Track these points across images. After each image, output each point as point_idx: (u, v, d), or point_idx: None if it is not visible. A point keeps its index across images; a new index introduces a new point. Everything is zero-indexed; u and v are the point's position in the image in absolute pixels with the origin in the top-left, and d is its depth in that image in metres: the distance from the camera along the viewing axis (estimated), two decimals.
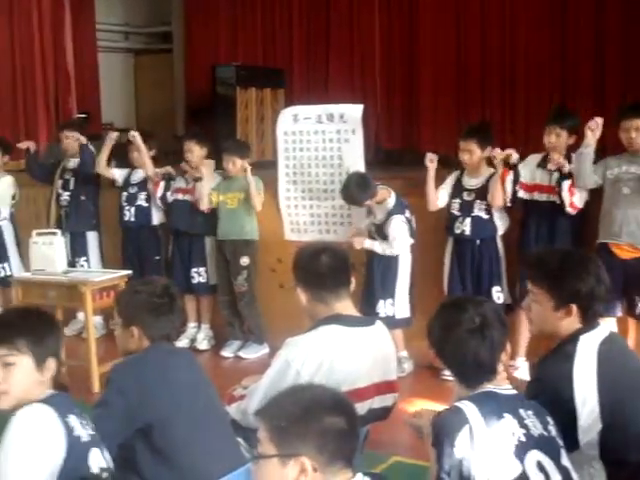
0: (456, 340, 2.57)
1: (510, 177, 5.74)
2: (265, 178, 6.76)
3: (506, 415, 2.49)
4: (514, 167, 5.74)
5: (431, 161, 5.95)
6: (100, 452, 2.60)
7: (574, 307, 2.86)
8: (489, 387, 2.56)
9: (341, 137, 6.39)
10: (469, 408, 2.48)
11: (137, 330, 3.20)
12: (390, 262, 5.97)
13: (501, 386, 2.60)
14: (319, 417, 2.02)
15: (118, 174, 7.17)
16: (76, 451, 2.49)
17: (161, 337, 3.23)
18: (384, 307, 5.97)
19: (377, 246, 5.95)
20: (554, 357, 2.89)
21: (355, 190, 5.87)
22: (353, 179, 5.94)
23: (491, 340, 2.57)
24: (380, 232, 5.97)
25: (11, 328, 2.61)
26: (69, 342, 6.47)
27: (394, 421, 3.57)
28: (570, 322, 2.88)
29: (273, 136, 8.90)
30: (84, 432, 2.55)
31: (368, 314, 5.92)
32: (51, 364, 2.64)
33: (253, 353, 6.68)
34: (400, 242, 5.89)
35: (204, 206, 6.69)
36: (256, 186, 6.58)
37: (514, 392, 2.61)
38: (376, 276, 5.98)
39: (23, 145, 7.42)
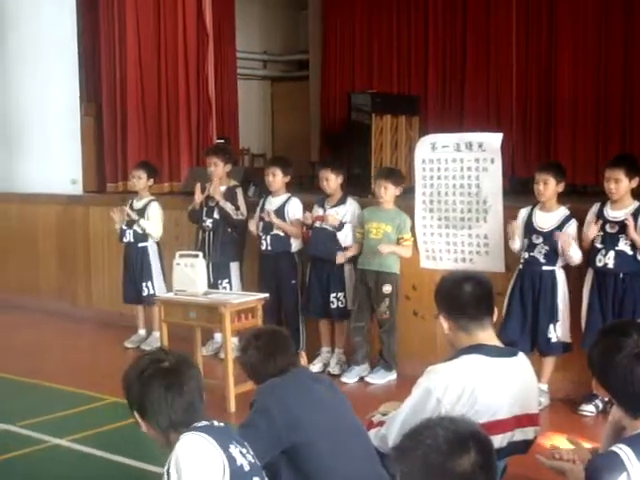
0: (621, 366, 2.47)
1: None
2: (399, 205, 6.75)
3: None
4: None
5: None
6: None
7: None
8: None
9: (479, 166, 6.34)
10: (626, 452, 2.38)
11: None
12: (548, 280, 5.89)
13: None
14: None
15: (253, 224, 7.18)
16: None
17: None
18: (554, 331, 5.89)
19: (575, 250, 5.83)
20: None
21: None
22: None
23: None
24: (548, 242, 5.88)
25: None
26: (206, 362, 6.69)
27: (533, 455, 3.50)
28: None
29: (407, 163, 8.97)
30: (245, 461, 2.60)
31: (534, 342, 5.92)
32: None
33: (380, 379, 6.66)
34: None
35: (356, 251, 6.74)
36: (405, 228, 6.59)
37: None
38: (540, 298, 5.89)
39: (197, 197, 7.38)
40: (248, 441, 2.89)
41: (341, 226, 6.75)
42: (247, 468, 2.59)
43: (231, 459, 2.54)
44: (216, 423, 2.69)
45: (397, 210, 6.69)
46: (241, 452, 2.62)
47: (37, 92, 10.13)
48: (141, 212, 7.75)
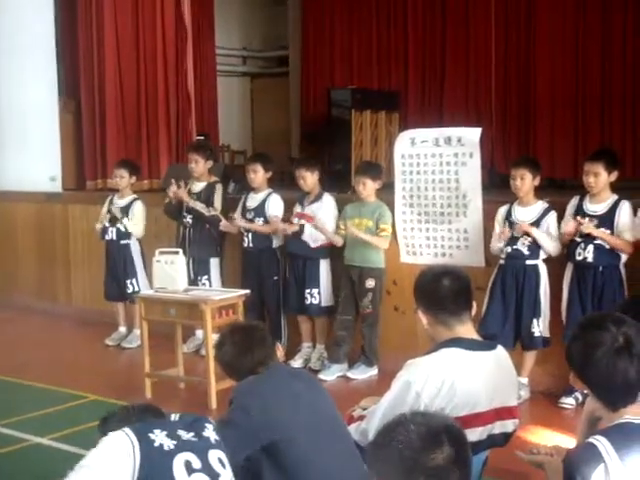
0: (602, 361, 2.45)
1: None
2: (380, 198, 6.76)
3: None
4: None
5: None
6: (196, 456, 2.60)
7: None
8: (627, 417, 2.45)
9: (458, 160, 6.36)
10: (603, 444, 2.38)
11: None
12: (532, 274, 5.92)
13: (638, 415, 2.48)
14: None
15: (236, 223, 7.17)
16: (155, 459, 2.55)
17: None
18: (538, 326, 5.91)
19: (544, 238, 5.88)
20: None
21: None
22: None
23: (639, 359, 2.45)
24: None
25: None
26: (187, 359, 6.69)
27: (513, 448, 3.51)
28: None
29: (387, 159, 8.99)
30: (170, 442, 2.60)
31: (517, 336, 5.96)
32: None
33: (362, 374, 6.69)
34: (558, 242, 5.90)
35: (340, 244, 6.77)
36: (383, 219, 6.60)
37: None
38: (524, 293, 5.92)
39: (171, 193, 7.42)
40: (226, 436, 2.85)
41: (301, 231, 6.78)
42: (169, 447, 2.58)
43: (146, 441, 2.56)
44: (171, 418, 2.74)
45: (378, 203, 6.70)
46: (170, 435, 2.60)
47: (15, 89, 10.07)
48: (124, 210, 7.73)
